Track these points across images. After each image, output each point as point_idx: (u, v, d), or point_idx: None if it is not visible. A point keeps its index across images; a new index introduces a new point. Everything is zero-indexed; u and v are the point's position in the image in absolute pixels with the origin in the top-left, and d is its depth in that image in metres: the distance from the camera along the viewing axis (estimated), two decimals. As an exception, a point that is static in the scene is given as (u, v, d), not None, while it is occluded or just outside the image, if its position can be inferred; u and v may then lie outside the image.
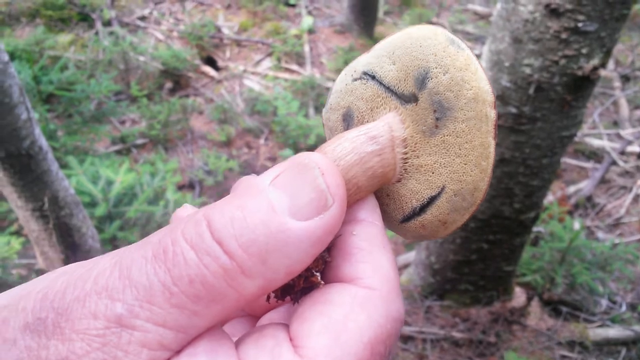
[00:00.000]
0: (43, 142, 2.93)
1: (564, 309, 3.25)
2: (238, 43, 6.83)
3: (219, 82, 6.25)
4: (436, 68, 0.42)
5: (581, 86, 2.39)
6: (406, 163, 0.44)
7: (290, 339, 0.34)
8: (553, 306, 3.29)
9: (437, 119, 0.42)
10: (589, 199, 4.55)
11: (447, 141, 0.42)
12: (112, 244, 3.64)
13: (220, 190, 4.68)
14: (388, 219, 0.46)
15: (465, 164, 0.41)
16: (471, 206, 0.42)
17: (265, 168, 5.04)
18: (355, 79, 0.47)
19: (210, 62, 6.51)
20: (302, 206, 0.33)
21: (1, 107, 2.65)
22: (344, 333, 0.34)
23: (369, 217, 0.41)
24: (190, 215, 0.33)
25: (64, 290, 0.31)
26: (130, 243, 3.12)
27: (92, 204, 3.55)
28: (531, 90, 2.43)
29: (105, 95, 5.09)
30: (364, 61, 0.47)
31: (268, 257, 0.32)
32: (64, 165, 3.61)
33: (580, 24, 2.20)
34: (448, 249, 3.02)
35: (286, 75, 6.30)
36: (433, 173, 0.43)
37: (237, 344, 0.34)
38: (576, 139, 5.40)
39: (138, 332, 0.30)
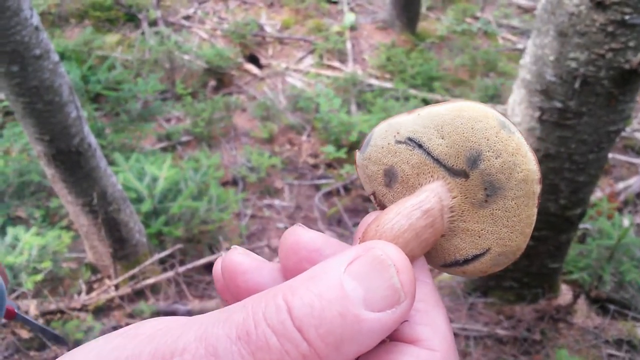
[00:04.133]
0: (92, 139, 3.02)
1: (612, 307, 3.17)
2: (280, 41, 6.88)
3: (262, 79, 6.31)
4: (489, 152, 0.44)
5: (629, 80, 2.33)
6: (452, 224, 0.46)
7: None
8: (600, 304, 3.21)
9: (487, 195, 0.44)
10: (639, 195, 4.43)
11: (496, 214, 0.44)
12: (157, 238, 3.72)
13: (262, 187, 4.73)
14: (428, 260, 0.48)
15: (511, 233, 0.44)
16: (511, 261, 0.45)
17: (307, 164, 5.06)
18: (399, 142, 0.48)
19: (253, 60, 6.57)
20: (377, 300, 0.35)
21: (52, 106, 2.74)
22: None
23: (421, 276, 0.43)
24: (271, 296, 0.35)
25: (152, 358, 0.34)
26: (174, 238, 3.18)
27: (138, 200, 3.64)
28: (577, 85, 2.38)
29: (151, 94, 5.20)
30: (407, 125, 0.48)
31: (342, 345, 0.34)
32: (111, 162, 3.71)
33: (627, 17, 2.15)
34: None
35: (328, 72, 6.31)
36: (480, 237, 0.45)
37: None
38: (625, 134, 5.26)
39: None
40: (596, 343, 2.96)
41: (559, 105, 2.47)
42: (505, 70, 6.30)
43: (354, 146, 5.06)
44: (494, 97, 5.72)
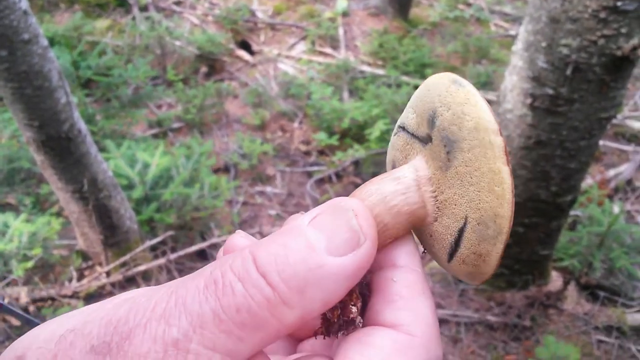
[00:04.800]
0: (82, 125, 3.00)
1: (602, 293, 3.20)
2: (272, 27, 6.84)
3: (254, 66, 6.28)
4: (441, 107, 0.45)
5: (620, 67, 2.33)
6: (437, 201, 0.46)
7: None
8: (590, 291, 3.24)
9: (447, 152, 0.44)
10: (629, 182, 4.45)
11: (460, 171, 0.44)
12: (149, 225, 3.71)
13: (254, 174, 4.72)
14: (439, 260, 0.49)
15: (478, 192, 0.43)
16: (498, 234, 0.43)
17: (299, 151, 5.06)
18: (395, 134, 0.52)
19: (245, 46, 6.54)
20: (337, 244, 0.36)
21: (41, 91, 2.71)
22: None
23: (409, 263, 0.44)
24: (238, 251, 0.37)
25: (126, 316, 0.35)
26: (166, 225, 3.17)
27: (129, 187, 3.62)
28: (569, 71, 2.38)
29: (142, 80, 5.16)
30: (401, 118, 0.51)
31: (306, 290, 0.35)
32: (102, 149, 3.69)
33: (619, 3, 2.14)
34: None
35: (320, 59, 6.28)
36: (455, 205, 0.45)
37: None
38: (616, 121, 5.27)
39: (191, 355, 0.33)
40: (586, 329, 2.98)
41: (550, 92, 2.47)
42: (497, 57, 6.29)
43: (345, 133, 5.05)
44: (486, 84, 5.72)
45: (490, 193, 0.42)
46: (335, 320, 0.42)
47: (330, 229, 0.37)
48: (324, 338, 0.44)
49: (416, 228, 0.48)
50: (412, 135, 0.48)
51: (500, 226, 0.42)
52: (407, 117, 0.50)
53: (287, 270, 0.34)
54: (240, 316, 0.34)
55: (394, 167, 0.51)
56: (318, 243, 0.36)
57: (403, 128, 0.50)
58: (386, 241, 0.44)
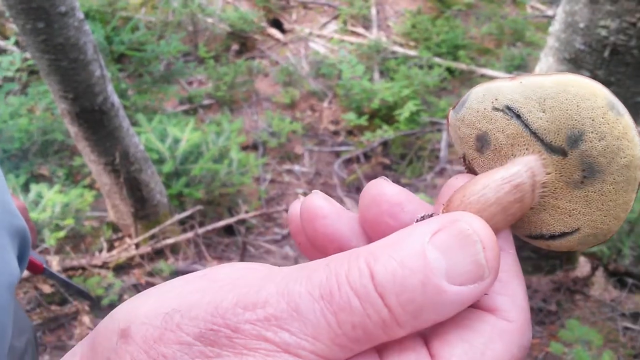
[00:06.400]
0: (115, 99, 3.04)
1: (630, 280, 3.15)
2: (304, 5, 6.81)
3: (285, 44, 6.26)
4: (592, 133, 0.41)
5: (660, 49, 2.28)
6: (542, 199, 0.44)
7: (431, 355, 0.37)
8: (618, 277, 3.19)
9: (584, 177, 0.42)
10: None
11: (591, 197, 0.42)
12: (178, 199, 3.76)
13: (283, 152, 4.73)
14: (512, 228, 0.47)
15: (605, 217, 0.42)
16: (601, 242, 0.43)
17: (327, 131, 5.05)
18: (497, 109, 0.46)
19: (277, 24, 6.52)
20: (459, 274, 0.35)
21: (76, 64, 2.75)
22: None
23: (505, 246, 0.42)
24: (353, 259, 0.35)
25: (234, 307, 0.35)
26: (195, 200, 3.20)
27: (160, 161, 3.67)
28: (606, 53, 2.33)
29: (174, 55, 5.19)
30: (507, 93, 0.46)
31: (421, 314, 0.34)
32: (134, 123, 3.73)
33: (662, -17, 2.09)
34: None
35: (352, 39, 6.24)
36: (570, 217, 0.43)
37: (379, 351, 0.37)
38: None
39: None
40: (612, 315, 2.95)
41: (587, 74, 2.41)
42: (532, 40, 6.18)
43: (375, 114, 5.03)
44: (520, 67, 5.63)
45: (615, 219, 0.42)
46: None
47: (453, 255, 0.35)
48: None
49: None
50: (534, 134, 0.44)
51: (607, 237, 0.43)
52: (530, 110, 0.44)
53: (405, 293, 0.34)
54: (355, 333, 0.34)
55: (484, 139, 0.47)
56: (438, 267, 0.34)
57: (518, 116, 0.45)
58: None
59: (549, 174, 0.43)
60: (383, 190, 0.43)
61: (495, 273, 0.36)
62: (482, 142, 0.47)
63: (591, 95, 0.41)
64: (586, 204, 0.42)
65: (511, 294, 0.40)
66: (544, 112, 0.44)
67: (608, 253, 3.18)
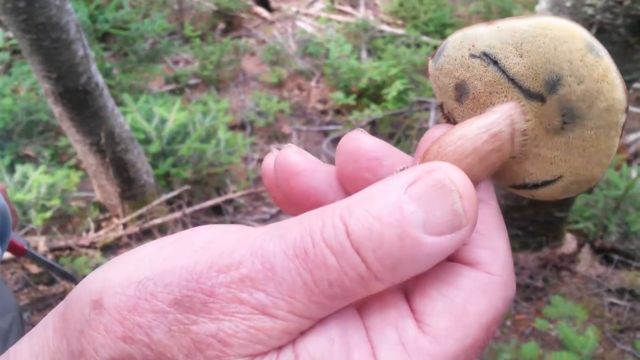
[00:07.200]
0: (99, 78, 3.01)
1: (616, 257, 3.19)
2: (291, -17, 6.75)
3: (272, 23, 6.21)
4: (570, 77, 0.39)
5: (646, 27, 2.28)
6: (523, 147, 0.43)
7: (412, 311, 0.36)
8: (604, 254, 3.23)
9: (564, 122, 0.40)
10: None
11: (572, 143, 0.41)
12: (165, 179, 3.74)
13: (270, 132, 4.72)
14: (496, 180, 0.46)
15: (587, 163, 0.41)
16: (584, 190, 0.42)
17: (315, 110, 5.04)
18: (474, 56, 0.44)
19: (263, 2, 6.46)
20: (437, 224, 0.34)
21: (59, 43, 2.71)
22: (465, 317, 0.36)
23: (484, 197, 0.41)
24: (328, 215, 0.34)
25: (208, 270, 0.34)
26: (182, 180, 3.19)
27: (146, 141, 3.64)
28: (593, 32, 2.33)
29: (159, 34, 5.14)
30: (484, 39, 0.44)
31: (399, 267, 0.34)
32: (119, 103, 3.70)
33: (648, -41, 2.09)
34: (499, 195, 2.97)
35: (339, 17, 6.20)
36: (552, 164, 0.42)
37: (358, 308, 0.37)
38: (637, 85, 5.17)
39: (280, 321, 0.33)
40: (598, 291, 2.99)
41: (572, 51, 2.42)
42: (520, 19, 6.16)
43: (363, 93, 5.02)
44: (507, 46, 5.61)
45: (597, 165, 0.40)
46: None
47: (430, 206, 0.34)
48: None
49: None
50: (512, 80, 0.43)
51: (590, 184, 0.41)
52: (507, 56, 0.43)
53: (382, 247, 0.33)
54: (332, 290, 0.33)
55: (463, 87, 0.46)
56: (415, 219, 0.33)
57: (496, 63, 0.43)
58: None
59: (529, 121, 0.42)
60: (360, 144, 0.42)
61: (473, 222, 0.35)
62: (461, 91, 0.46)
63: (569, 38, 0.39)
64: (568, 151, 0.41)
65: (493, 247, 0.39)
66: (521, 57, 0.42)
67: (594, 230, 3.21)
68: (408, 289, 0.38)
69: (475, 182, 0.40)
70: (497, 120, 0.42)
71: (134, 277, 0.35)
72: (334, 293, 0.33)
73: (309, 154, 0.43)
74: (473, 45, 0.44)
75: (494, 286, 0.37)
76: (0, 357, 0.37)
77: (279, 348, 0.33)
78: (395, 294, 0.38)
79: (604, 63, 0.38)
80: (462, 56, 0.45)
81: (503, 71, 0.43)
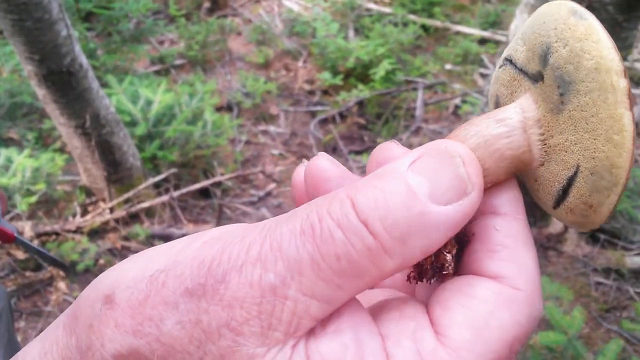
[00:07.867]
0: (83, 60, 2.96)
1: (602, 236, 3.21)
2: (277, -39, 6.66)
3: (258, 2, 6.14)
4: (556, 42, 0.39)
5: (634, 6, 2.27)
6: (545, 145, 0.41)
7: (432, 323, 0.36)
8: (591, 234, 3.26)
9: (561, 94, 0.39)
10: (636, 126, 4.42)
11: (574, 116, 0.39)
12: (152, 162, 3.71)
13: (257, 113, 4.68)
14: (544, 206, 0.45)
15: (594, 139, 0.38)
16: (613, 185, 0.38)
17: (303, 91, 5.00)
18: (500, 67, 0.46)
19: (249, -19, 6.39)
20: (442, 192, 0.34)
21: (41, 24, 2.66)
22: (487, 331, 0.35)
23: (512, 211, 0.41)
24: (334, 194, 0.35)
25: (219, 257, 0.34)
26: (169, 163, 3.16)
27: (132, 123, 3.60)
28: (581, 10, 2.32)
29: (144, 14, 5.06)
30: (510, 47, 0.45)
31: (408, 238, 0.33)
32: (104, 85, 3.65)
33: (639, -62, 2.07)
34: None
35: (326, -4, 6.14)
36: (566, 152, 0.40)
37: (375, 317, 0.36)
38: (626, 63, 5.19)
39: (289, 302, 0.32)
40: (585, 271, 3.02)
41: (561, 31, 2.42)
42: (507, -3, 6.14)
43: (350, 73, 4.99)
44: (495, 24, 5.60)
45: (607, 142, 0.38)
46: (429, 266, 0.40)
47: (434, 174, 0.34)
48: (417, 283, 0.42)
49: (520, 172, 0.44)
50: (521, 70, 0.43)
51: (617, 177, 0.38)
52: (516, 49, 0.44)
53: (389, 217, 0.33)
54: (340, 264, 0.32)
55: (497, 103, 0.46)
56: (420, 189, 0.33)
57: (510, 61, 0.44)
58: (486, 186, 0.40)
59: (539, 107, 0.41)
60: (391, 152, 0.42)
61: (479, 189, 0.35)
62: (497, 105, 0.46)
63: (555, 8, 0.40)
64: (574, 129, 0.39)
65: (518, 261, 0.38)
66: (524, 44, 0.43)
67: (580, 209, 3.23)
68: (428, 302, 0.38)
69: (486, 170, 0.40)
70: (505, 108, 0.42)
71: (146, 272, 0.35)
72: (342, 268, 0.33)
73: (339, 163, 0.43)
74: (501, 59, 0.46)
75: (518, 301, 0.36)
76: (12, 359, 0.37)
77: (293, 346, 0.33)
78: (415, 305, 0.37)
79: (587, 23, 0.38)
80: (495, 73, 0.47)
81: (514, 65, 0.44)
